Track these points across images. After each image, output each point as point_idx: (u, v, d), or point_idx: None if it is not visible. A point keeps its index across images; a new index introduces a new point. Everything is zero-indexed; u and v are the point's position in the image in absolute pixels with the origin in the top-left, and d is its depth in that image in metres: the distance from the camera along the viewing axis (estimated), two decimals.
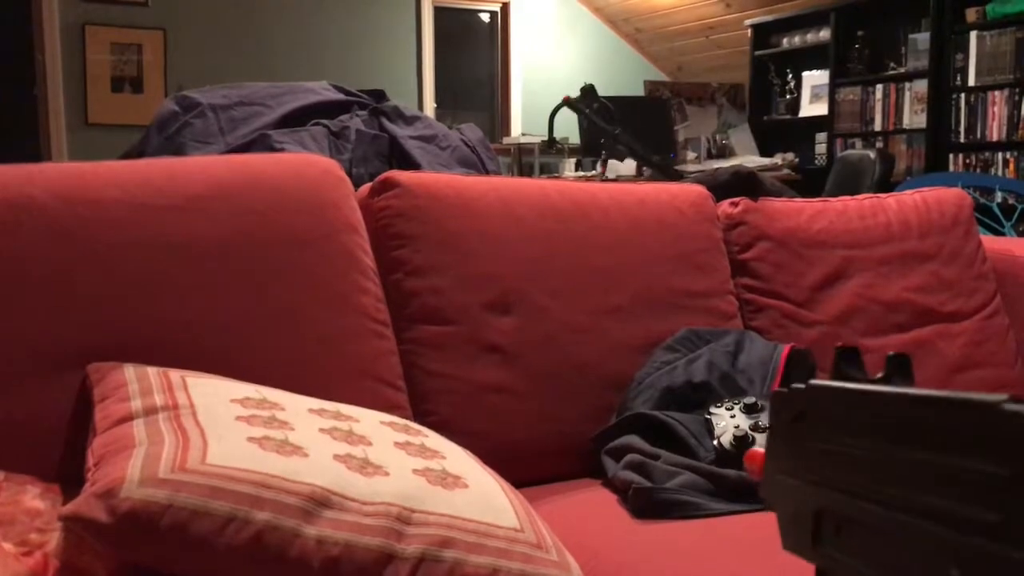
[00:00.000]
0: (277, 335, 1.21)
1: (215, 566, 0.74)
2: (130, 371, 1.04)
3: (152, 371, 1.04)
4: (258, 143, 1.83)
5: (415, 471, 0.93)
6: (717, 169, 1.80)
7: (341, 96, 2.16)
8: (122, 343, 1.11)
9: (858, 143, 5.47)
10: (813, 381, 0.39)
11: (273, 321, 1.21)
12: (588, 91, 4.41)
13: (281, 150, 1.77)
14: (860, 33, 5.55)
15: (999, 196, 4.26)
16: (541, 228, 1.46)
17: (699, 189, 1.69)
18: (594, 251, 1.49)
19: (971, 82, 4.94)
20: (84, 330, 1.10)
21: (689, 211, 1.63)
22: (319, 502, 0.80)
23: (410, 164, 1.96)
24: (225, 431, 0.86)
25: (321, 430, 0.95)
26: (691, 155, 5.73)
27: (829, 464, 0.36)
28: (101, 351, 1.08)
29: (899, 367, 0.37)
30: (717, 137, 6.04)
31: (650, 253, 1.55)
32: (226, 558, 0.74)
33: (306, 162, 1.34)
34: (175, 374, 1.03)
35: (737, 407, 1.30)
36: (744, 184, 1.75)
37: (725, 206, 1.74)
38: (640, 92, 6.35)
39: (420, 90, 6.15)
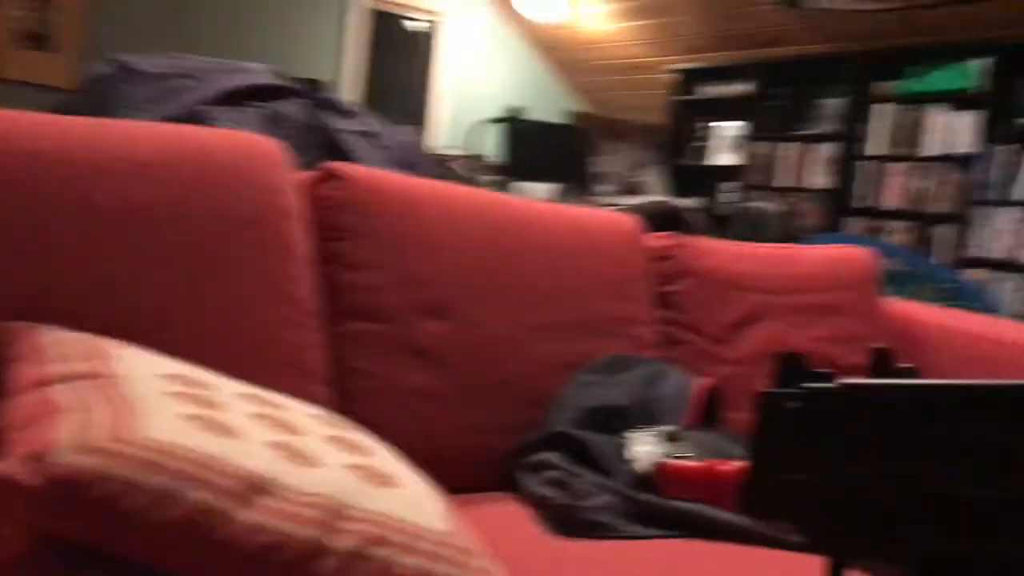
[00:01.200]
0: (204, 314, 1.17)
1: (142, 543, 0.70)
2: (48, 334, 0.99)
3: (72, 336, 0.99)
4: (193, 118, 1.78)
5: (347, 467, 0.91)
6: (649, 202, 1.84)
7: (278, 81, 2.12)
8: (39, 305, 1.05)
9: (763, 196, 5.67)
10: (846, 379, 0.40)
11: (201, 299, 1.17)
12: (514, 112, 4.45)
13: (217, 127, 1.72)
14: (778, 91, 5.77)
15: (889, 262, 4.47)
16: (482, 239, 1.46)
17: (632, 219, 1.73)
18: (531, 268, 1.50)
19: (875, 151, 5.19)
20: None
21: (623, 239, 1.65)
22: (254, 487, 0.78)
23: (346, 158, 1.93)
24: (157, 406, 0.83)
25: (253, 415, 0.92)
26: (605, 188, 5.83)
27: (859, 453, 0.37)
28: (12, 311, 1.02)
29: (882, 359, 0.39)
30: (631, 174, 6.17)
31: (583, 276, 1.56)
32: (155, 535, 0.70)
33: (250, 141, 1.31)
34: (99, 342, 0.98)
35: (656, 434, 1.32)
36: (674, 219, 1.79)
37: (653, 238, 1.77)
38: (562, 120, 6.44)
39: (343, 88, 6.09)
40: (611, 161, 6.25)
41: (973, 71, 4.78)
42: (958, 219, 4.77)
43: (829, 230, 5.28)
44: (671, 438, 1.31)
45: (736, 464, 0.46)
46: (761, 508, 0.44)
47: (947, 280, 4.19)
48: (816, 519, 0.40)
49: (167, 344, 1.07)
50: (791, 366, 0.42)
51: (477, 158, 4.48)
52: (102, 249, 1.11)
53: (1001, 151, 4.59)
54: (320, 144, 1.97)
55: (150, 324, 1.12)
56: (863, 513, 0.38)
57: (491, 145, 5.05)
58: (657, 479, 0.47)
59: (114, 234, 1.11)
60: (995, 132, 4.61)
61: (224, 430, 0.84)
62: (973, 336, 2.02)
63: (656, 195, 5.71)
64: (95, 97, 1.83)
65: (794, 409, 0.42)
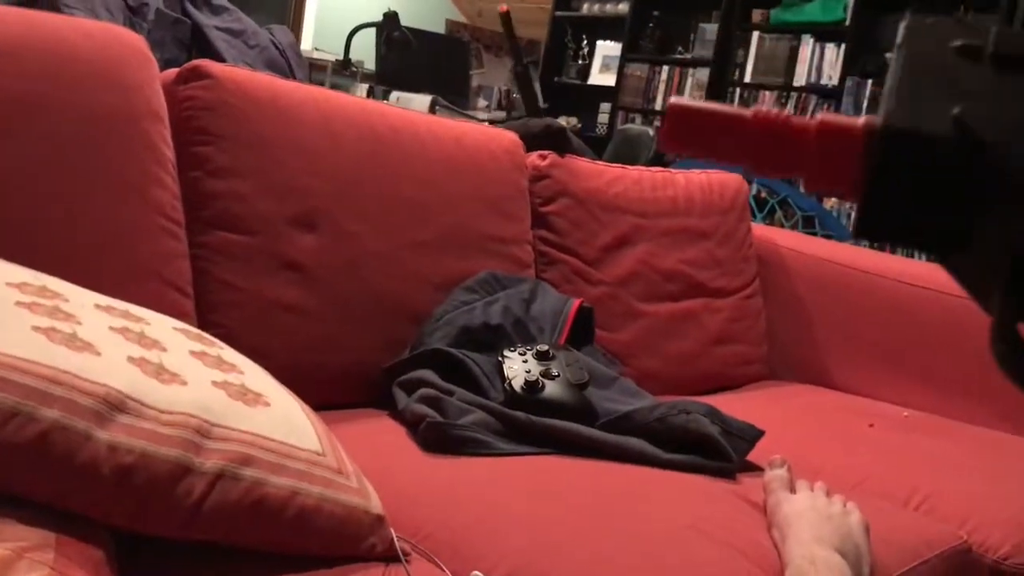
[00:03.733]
0: (57, 220, 1.09)
1: None
2: None
3: None
4: (41, 2, 1.62)
5: (214, 383, 0.87)
6: (530, 119, 1.82)
7: None
8: None
9: (638, 119, 5.74)
10: None
11: (54, 203, 1.09)
12: (391, 18, 4.31)
13: (70, 15, 1.58)
14: (655, 13, 5.79)
15: (755, 188, 4.62)
16: (357, 149, 1.41)
17: (513, 136, 1.70)
18: (407, 182, 1.46)
19: (747, 79, 5.31)
20: None
21: (503, 157, 1.63)
22: (113, 405, 0.74)
23: (212, 56, 1.82)
24: (6, 316, 0.77)
25: (111, 328, 0.87)
26: (482, 103, 5.77)
27: None
28: None
29: None
30: (508, 89, 6.11)
31: (461, 193, 1.54)
32: (4, 456, 0.66)
33: (111, 33, 1.21)
34: None
35: (529, 353, 1.33)
36: (555, 139, 1.78)
37: (534, 158, 1.76)
38: (440, 29, 6.29)
39: None
40: (491, 75, 6.17)
41: (842, 4, 4.91)
42: None
43: None
44: (542, 356, 1.32)
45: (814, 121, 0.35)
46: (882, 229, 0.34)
47: (807, 208, 4.36)
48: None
49: (13, 252, 0.99)
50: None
51: (349, 64, 4.33)
52: None
53: (864, 84, 4.77)
54: (186, 41, 1.85)
55: None
56: None
57: (364, 52, 4.88)
58: (668, 123, 0.33)
59: None
60: (859, 66, 4.78)
61: (80, 344, 0.79)
62: (825, 260, 2.11)
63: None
64: None
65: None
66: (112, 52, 1.18)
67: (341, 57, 4.44)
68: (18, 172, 1.06)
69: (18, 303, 0.81)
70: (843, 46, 4.88)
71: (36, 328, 0.77)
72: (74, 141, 1.10)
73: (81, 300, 0.90)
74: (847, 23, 4.87)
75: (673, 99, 0.37)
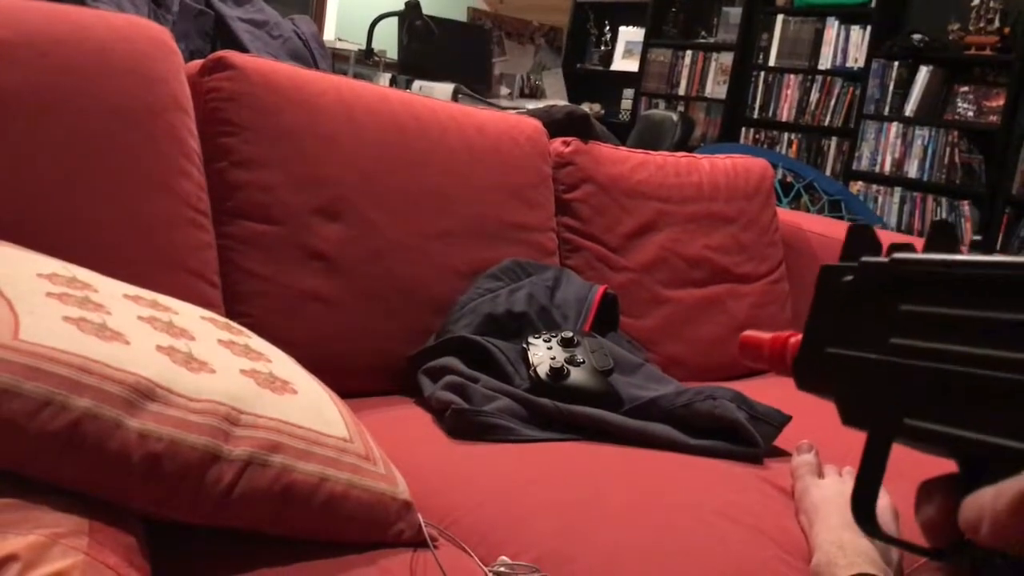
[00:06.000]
0: (85, 211, 1.10)
1: (25, 453, 0.67)
2: None
3: None
4: None
5: (242, 371, 0.88)
6: (552, 106, 1.81)
7: None
8: None
9: (662, 104, 5.70)
10: (899, 254, 0.39)
11: (82, 195, 1.10)
12: (413, 7, 4.30)
13: (95, 8, 1.59)
14: None
15: (780, 173, 4.59)
16: (380, 138, 1.41)
17: (536, 123, 1.70)
18: (430, 171, 1.46)
19: (771, 62, 5.25)
20: None
21: (525, 144, 1.63)
22: (143, 393, 0.74)
23: (236, 47, 1.82)
24: (37, 307, 0.78)
25: (140, 318, 0.88)
26: (504, 91, 5.75)
27: (918, 331, 0.36)
28: None
29: (943, 231, 0.38)
30: (531, 77, 6.09)
31: (484, 181, 1.54)
32: (38, 445, 0.67)
33: (135, 25, 1.22)
34: None
35: (554, 340, 1.33)
36: (578, 126, 1.77)
37: (557, 144, 1.75)
38: (462, 17, 6.27)
39: None
40: (513, 63, 6.15)
41: None
42: (848, 132, 4.91)
43: (724, 140, 5.36)
44: (567, 343, 1.33)
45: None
46: (810, 381, 0.43)
47: (833, 192, 4.32)
48: (864, 395, 0.39)
49: (42, 243, 1.00)
50: (859, 238, 0.42)
51: (371, 53, 4.33)
52: None
53: (890, 66, 4.71)
54: (210, 32, 1.86)
55: (22, 220, 1.04)
56: (916, 392, 0.36)
57: (386, 41, 4.88)
58: (739, 349, 0.46)
59: None
60: (885, 47, 4.72)
61: (110, 333, 0.80)
62: None
63: (557, 99, 5.67)
64: None
65: (847, 283, 0.41)
66: (138, 45, 1.19)
67: (363, 46, 4.44)
68: (46, 165, 1.07)
69: (48, 294, 0.82)
70: (868, 28, 4.82)
71: (67, 318, 0.78)
72: (101, 133, 1.11)
73: (110, 290, 0.92)
74: (872, 5, 4.80)
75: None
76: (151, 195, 1.16)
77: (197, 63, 1.33)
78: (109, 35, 1.16)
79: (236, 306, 1.25)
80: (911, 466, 1.22)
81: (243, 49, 1.83)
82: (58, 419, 0.68)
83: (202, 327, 0.94)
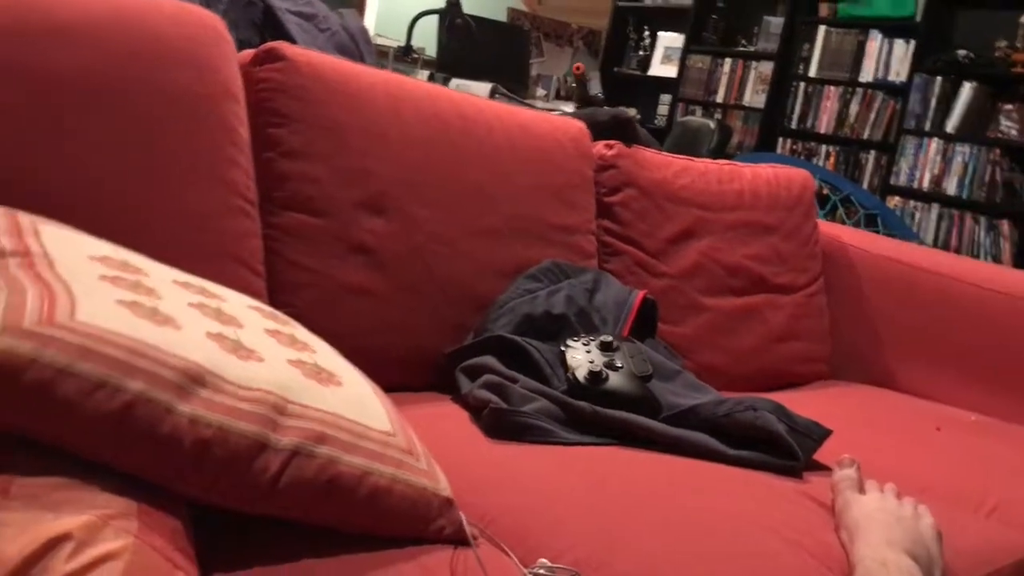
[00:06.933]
0: (135, 196, 1.11)
1: (78, 434, 0.67)
2: None
3: None
4: None
5: (289, 361, 0.88)
6: (597, 109, 1.81)
7: None
8: None
9: (699, 111, 5.67)
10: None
11: (133, 180, 1.11)
12: (453, 5, 4.30)
13: None
14: (720, 4, 5.72)
15: (817, 185, 4.55)
16: (425, 134, 1.41)
17: (580, 125, 1.69)
18: (474, 168, 1.46)
19: (812, 73, 5.21)
20: None
21: (569, 145, 1.62)
22: (194, 379, 0.75)
23: (285, 38, 1.83)
24: (91, 289, 0.78)
25: (190, 304, 0.88)
26: (540, 92, 5.75)
27: None
28: None
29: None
30: (568, 79, 6.08)
31: (527, 181, 1.54)
32: (91, 426, 0.67)
33: (189, 12, 1.22)
34: (23, 217, 0.92)
35: (593, 343, 1.33)
36: (622, 129, 1.76)
37: (600, 147, 1.75)
38: (501, 17, 6.28)
39: None
40: (551, 64, 6.14)
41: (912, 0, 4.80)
42: (887, 147, 4.86)
43: (760, 149, 5.33)
44: (606, 347, 1.32)
45: None
46: None
47: (870, 206, 4.28)
48: None
49: (93, 227, 1.01)
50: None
51: (411, 50, 4.34)
52: (21, 119, 1.02)
53: (933, 82, 4.66)
54: (258, 22, 1.87)
55: (74, 204, 1.05)
56: None
57: (425, 38, 4.89)
58: None
59: (35, 103, 1.03)
60: (928, 62, 4.67)
61: (162, 318, 0.80)
62: (892, 260, 2.07)
63: (595, 102, 5.66)
64: None
65: None
66: (191, 32, 1.19)
67: (403, 43, 4.46)
68: (99, 150, 1.08)
69: (102, 277, 0.82)
70: (912, 42, 4.76)
71: (120, 302, 0.78)
72: (154, 120, 1.12)
73: (160, 275, 0.92)
74: (918, 19, 4.75)
75: None
76: (200, 182, 1.17)
77: (249, 53, 1.34)
78: (164, 22, 1.17)
79: (279, 296, 1.25)
80: (936, 481, 1.20)
81: (291, 40, 1.84)
82: (112, 400, 0.68)
83: (249, 315, 0.95)
